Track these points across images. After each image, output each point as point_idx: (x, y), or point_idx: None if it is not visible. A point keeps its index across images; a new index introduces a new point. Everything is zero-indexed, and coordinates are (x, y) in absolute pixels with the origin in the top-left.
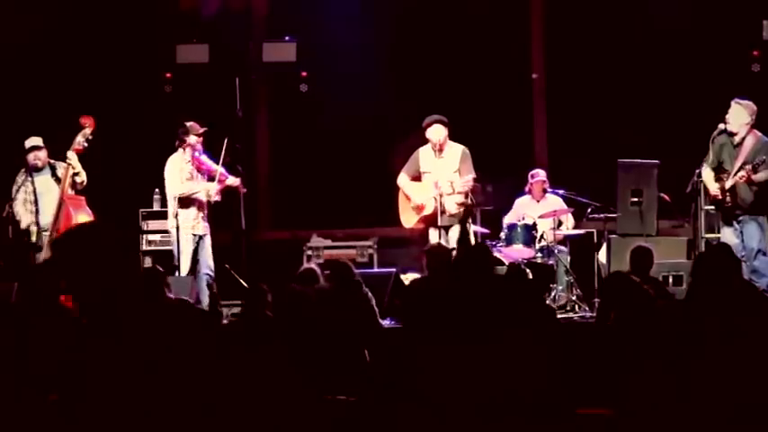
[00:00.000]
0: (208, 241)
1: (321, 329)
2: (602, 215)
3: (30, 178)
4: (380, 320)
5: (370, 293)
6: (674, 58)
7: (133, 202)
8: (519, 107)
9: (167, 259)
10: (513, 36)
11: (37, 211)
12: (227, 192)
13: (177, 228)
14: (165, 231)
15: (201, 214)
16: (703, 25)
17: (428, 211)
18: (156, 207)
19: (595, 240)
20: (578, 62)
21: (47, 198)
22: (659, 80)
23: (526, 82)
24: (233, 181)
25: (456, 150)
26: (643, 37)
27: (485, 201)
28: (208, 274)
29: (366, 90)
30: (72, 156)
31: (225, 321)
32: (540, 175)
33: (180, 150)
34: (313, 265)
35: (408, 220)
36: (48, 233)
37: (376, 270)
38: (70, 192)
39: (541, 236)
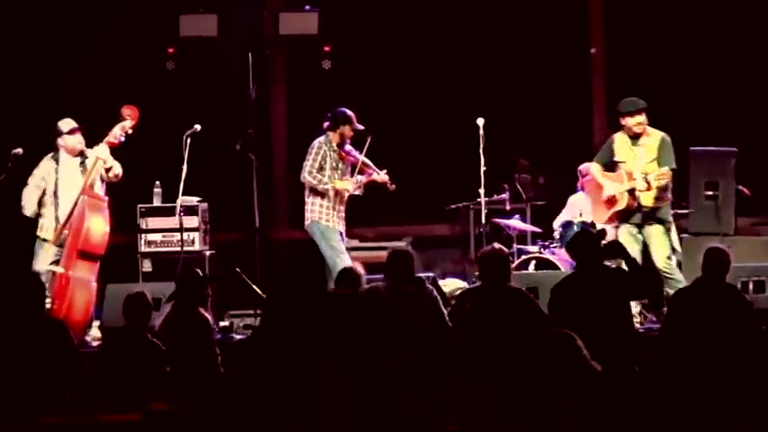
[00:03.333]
0: (344, 240)
1: (381, 339)
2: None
3: (56, 165)
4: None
5: (435, 291)
6: (750, 30)
7: (131, 197)
8: (576, 86)
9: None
10: (570, 7)
11: (56, 205)
12: (239, 183)
13: (313, 221)
14: (168, 230)
15: (341, 207)
16: None
17: (620, 206)
18: (157, 202)
19: None
20: (641, 35)
21: (70, 191)
22: (734, 55)
23: (584, 57)
24: (380, 177)
25: (655, 138)
26: (714, 5)
27: (535, 194)
28: None
29: (399, 67)
30: (104, 148)
31: (236, 336)
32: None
33: (328, 135)
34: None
35: (599, 215)
36: (57, 229)
37: None
38: (100, 186)
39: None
